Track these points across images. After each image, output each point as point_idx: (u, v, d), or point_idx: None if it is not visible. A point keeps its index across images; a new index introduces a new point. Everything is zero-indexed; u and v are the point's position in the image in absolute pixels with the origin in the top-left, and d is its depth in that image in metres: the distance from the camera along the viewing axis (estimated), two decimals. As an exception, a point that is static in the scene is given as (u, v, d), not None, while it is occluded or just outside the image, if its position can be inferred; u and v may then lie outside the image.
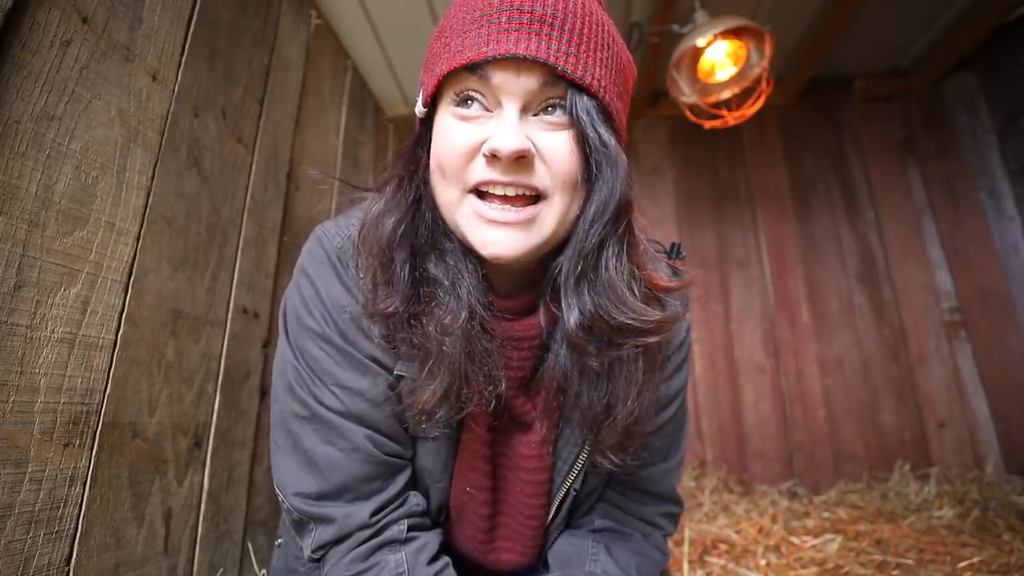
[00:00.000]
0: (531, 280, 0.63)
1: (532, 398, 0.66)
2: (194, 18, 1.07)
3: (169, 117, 0.99)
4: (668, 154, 2.58)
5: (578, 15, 0.52)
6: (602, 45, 0.54)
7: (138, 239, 0.90)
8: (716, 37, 1.73)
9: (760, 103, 1.87)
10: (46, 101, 0.74)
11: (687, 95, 1.95)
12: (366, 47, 2.03)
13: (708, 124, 1.97)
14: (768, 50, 1.76)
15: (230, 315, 1.16)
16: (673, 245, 0.72)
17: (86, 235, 0.80)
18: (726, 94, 1.94)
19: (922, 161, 2.43)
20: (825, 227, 2.42)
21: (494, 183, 0.53)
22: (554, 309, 0.60)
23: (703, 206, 2.51)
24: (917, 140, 2.46)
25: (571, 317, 0.56)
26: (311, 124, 1.61)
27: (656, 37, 1.97)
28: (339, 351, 0.62)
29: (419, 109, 0.60)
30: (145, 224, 0.92)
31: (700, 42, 1.74)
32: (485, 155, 0.53)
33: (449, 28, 0.55)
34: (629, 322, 0.55)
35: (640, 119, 2.57)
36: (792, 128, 2.55)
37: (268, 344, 1.31)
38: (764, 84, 1.84)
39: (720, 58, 1.84)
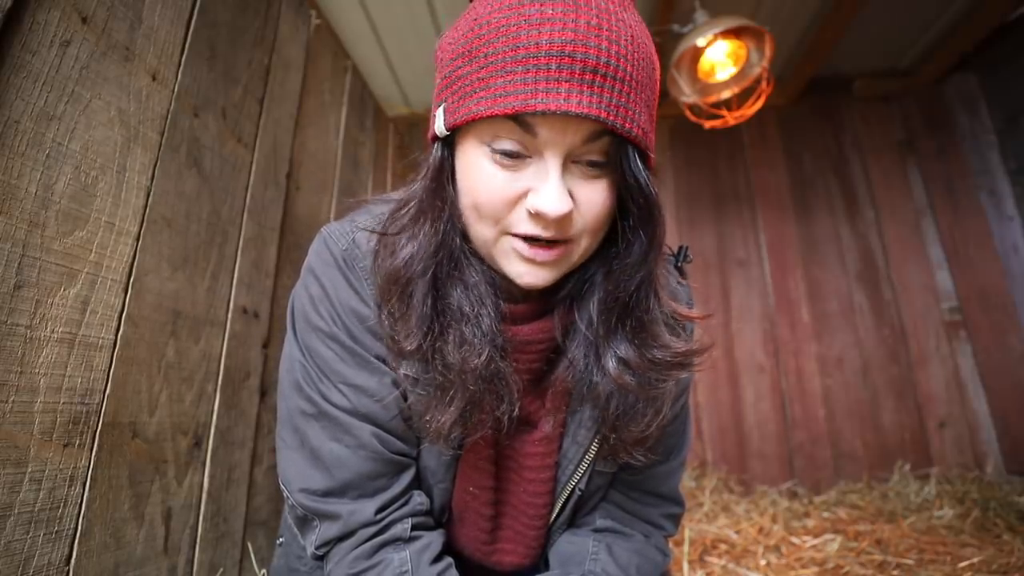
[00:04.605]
0: (542, 289, 0.63)
1: (540, 396, 0.67)
2: (194, 18, 1.07)
3: (169, 117, 0.99)
4: (668, 154, 2.58)
5: (629, 58, 0.48)
6: (646, 83, 0.51)
7: (138, 239, 0.90)
8: (716, 37, 1.73)
9: (760, 103, 1.87)
10: (46, 101, 0.74)
11: (687, 95, 1.95)
12: (366, 47, 2.03)
13: (708, 124, 1.97)
14: (768, 50, 1.76)
15: (230, 315, 1.16)
16: (680, 248, 0.73)
17: (86, 235, 0.80)
18: (726, 94, 1.94)
19: (922, 161, 2.43)
20: (825, 227, 2.42)
21: (535, 236, 0.53)
22: (578, 322, 0.61)
23: (703, 206, 2.51)
24: (917, 140, 2.46)
25: (610, 361, 0.59)
26: (311, 124, 1.61)
27: (656, 37, 1.97)
28: (347, 350, 0.63)
29: (440, 130, 0.56)
30: (145, 224, 0.92)
31: (700, 42, 1.73)
32: (530, 211, 0.52)
33: (484, 56, 0.49)
34: (664, 357, 0.58)
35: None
36: (792, 128, 2.55)
37: (268, 344, 1.31)
38: (764, 84, 1.84)
39: (720, 58, 1.84)
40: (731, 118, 1.92)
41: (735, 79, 1.91)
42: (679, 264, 0.73)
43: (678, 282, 0.72)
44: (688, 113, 2.00)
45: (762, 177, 2.51)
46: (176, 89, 1.01)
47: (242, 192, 1.24)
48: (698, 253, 2.43)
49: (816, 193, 2.47)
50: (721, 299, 2.38)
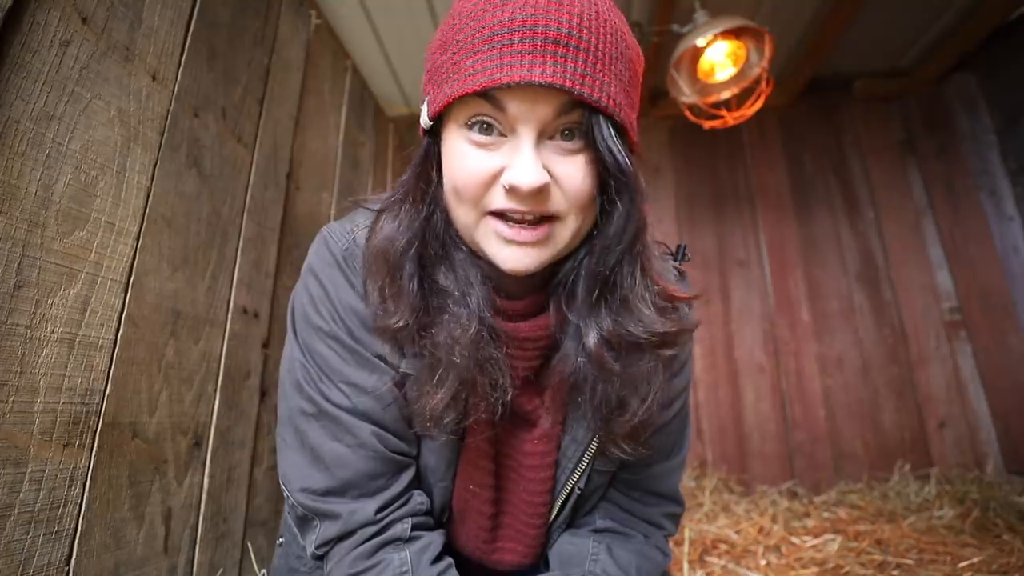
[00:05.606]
0: (538, 282, 0.64)
1: (539, 394, 0.67)
2: (194, 18, 1.07)
3: (169, 117, 0.99)
4: (668, 154, 2.58)
5: (592, 30, 0.49)
6: (616, 56, 0.51)
7: (138, 239, 0.90)
8: (716, 37, 1.73)
9: (760, 103, 1.87)
10: (46, 101, 0.74)
11: (687, 95, 1.95)
12: (366, 47, 2.03)
13: (708, 124, 1.97)
14: (768, 50, 1.76)
15: (230, 315, 1.16)
16: (679, 247, 0.73)
17: (86, 235, 0.80)
18: (726, 94, 1.94)
19: (922, 161, 2.43)
20: (825, 227, 2.42)
21: (513, 211, 0.53)
22: (565, 311, 0.61)
23: (703, 206, 2.51)
24: (917, 140, 2.46)
25: (591, 337, 0.58)
26: (311, 124, 1.61)
27: (656, 37, 1.97)
28: (347, 349, 0.63)
29: (424, 121, 0.58)
30: (145, 224, 0.92)
31: (700, 42, 1.74)
32: (504, 187, 0.52)
33: (456, 43, 0.52)
34: (647, 336, 0.58)
35: (640, 119, 2.56)
36: (792, 128, 2.56)
37: (268, 344, 1.31)
38: (764, 84, 1.84)
39: (720, 58, 1.84)
40: (731, 118, 1.92)
41: (735, 79, 1.91)
42: (678, 262, 0.73)
43: (679, 272, 0.72)
44: (688, 113, 2.00)
45: (762, 177, 2.51)
46: (176, 89, 1.01)
47: (242, 192, 1.24)
48: (698, 253, 2.43)
49: (816, 193, 2.47)
50: (721, 299, 2.38)
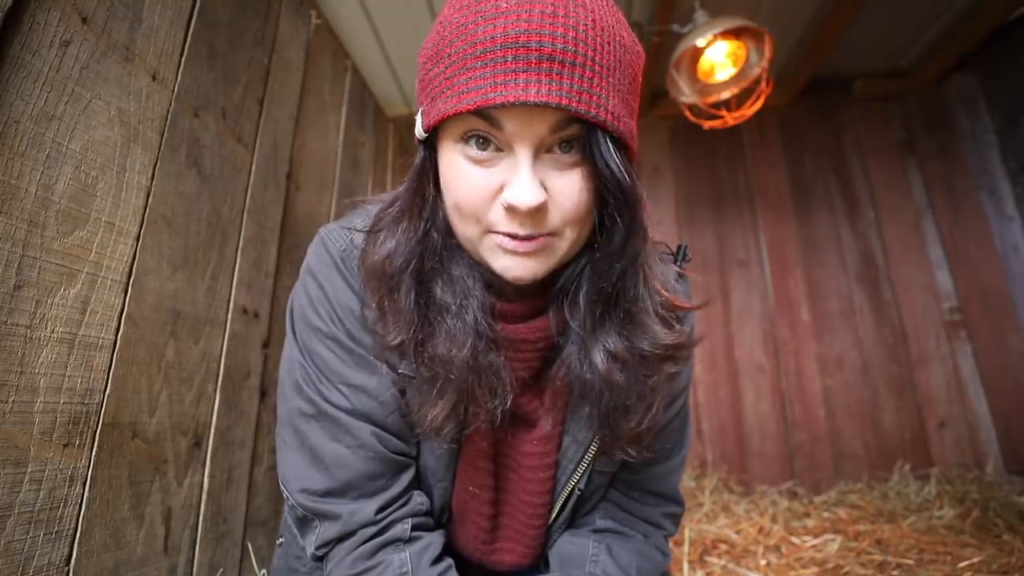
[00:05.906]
0: (538, 288, 0.63)
1: (538, 395, 0.67)
2: (194, 18, 1.07)
3: (169, 117, 0.99)
4: (668, 154, 2.59)
5: (589, 42, 0.47)
6: (615, 66, 0.49)
7: (138, 239, 0.90)
8: (716, 37, 1.73)
9: (759, 104, 1.87)
10: (46, 101, 0.74)
11: (687, 95, 1.95)
12: (366, 47, 2.03)
13: (707, 124, 1.97)
14: (768, 50, 1.76)
15: (230, 315, 1.16)
16: (680, 248, 0.73)
17: (86, 235, 0.80)
18: (725, 94, 1.94)
19: (922, 161, 2.43)
20: (825, 227, 2.42)
21: (514, 234, 0.53)
22: (567, 317, 0.61)
23: (703, 206, 2.51)
24: (917, 140, 2.46)
25: (598, 353, 0.58)
26: (311, 124, 1.61)
27: (656, 37, 1.97)
28: (346, 350, 0.63)
29: (419, 133, 0.57)
30: (145, 224, 0.92)
31: (700, 42, 1.74)
32: (503, 205, 0.52)
33: (447, 56, 0.50)
34: (654, 350, 0.58)
35: (640, 119, 2.56)
36: (792, 128, 2.56)
37: (268, 344, 1.31)
38: (764, 85, 1.84)
39: (720, 58, 1.84)
40: (730, 118, 1.92)
41: (734, 79, 1.91)
42: (678, 264, 0.73)
43: (679, 274, 0.72)
44: (688, 113, 2.00)
45: (762, 177, 2.51)
46: (176, 89, 1.01)
47: (242, 192, 1.24)
48: (698, 253, 2.43)
49: (816, 193, 2.47)
50: (721, 299, 2.38)
